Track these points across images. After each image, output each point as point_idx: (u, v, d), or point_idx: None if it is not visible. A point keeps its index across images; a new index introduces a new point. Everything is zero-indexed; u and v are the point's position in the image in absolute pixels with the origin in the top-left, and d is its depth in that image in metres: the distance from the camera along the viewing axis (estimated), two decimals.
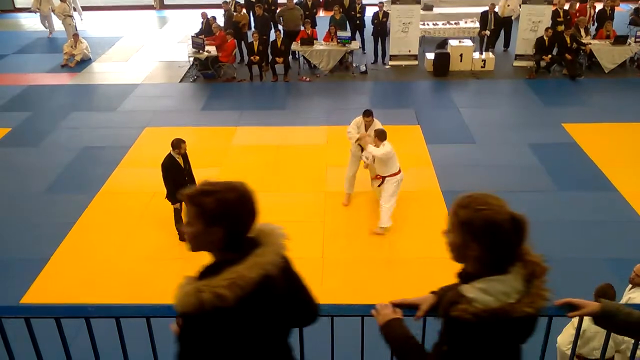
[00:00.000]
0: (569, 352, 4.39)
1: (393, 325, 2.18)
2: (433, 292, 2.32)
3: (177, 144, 7.55)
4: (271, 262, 2.00)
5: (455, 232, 2.00)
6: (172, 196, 7.59)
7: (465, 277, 2.05)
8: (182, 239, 7.57)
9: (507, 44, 15.65)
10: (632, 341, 2.68)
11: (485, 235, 1.94)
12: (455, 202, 2.03)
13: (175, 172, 7.55)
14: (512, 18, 15.43)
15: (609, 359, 4.67)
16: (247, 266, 1.95)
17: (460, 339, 1.99)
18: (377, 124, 8.25)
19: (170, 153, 7.56)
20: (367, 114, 8.27)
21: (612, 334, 4.29)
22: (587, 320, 2.54)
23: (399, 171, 7.88)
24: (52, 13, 17.62)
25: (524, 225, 1.99)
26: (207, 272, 1.98)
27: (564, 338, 4.62)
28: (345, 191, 8.71)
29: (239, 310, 1.91)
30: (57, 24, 17.66)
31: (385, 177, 7.87)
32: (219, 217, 1.96)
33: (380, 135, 7.77)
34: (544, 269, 2.04)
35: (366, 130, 8.28)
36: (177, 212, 7.67)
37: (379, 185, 8.04)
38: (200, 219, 1.97)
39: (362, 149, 8.43)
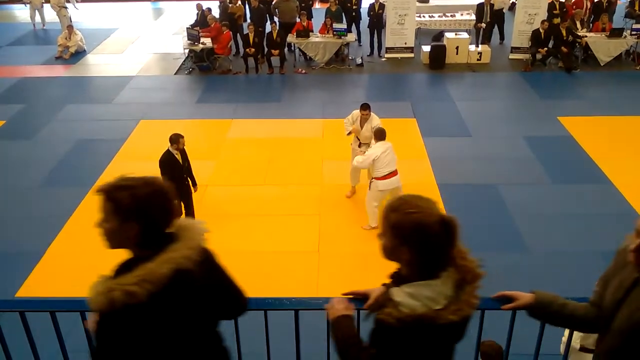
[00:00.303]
0: (577, 346, 4.41)
1: (342, 322, 2.18)
2: (385, 285, 2.32)
3: (176, 139, 7.39)
4: (184, 257, 2.00)
5: (387, 236, 2.00)
6: None
7: (398, 279, 2.05)
8: None
9: (502, 36, 15.62)
10: None
11: (415, 239, 1.93)
12: (386, 205, 2.02)
13: (173, 169, 7.38)
14: (503, 10, 15.41)
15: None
16: (158, 262, 1.96)
17: (385, 342, 1.99)
18: (375, 119, 8.24)
19: (168, 149, 7.41)
20: (364, 107, 8.26)
21: None
22: None
23: (388, 176, 7.61)
24: (43, 5, 17.51)
25: (454, 227, 1.96)
26: (121, 270, 2.00)
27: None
28: (351, 184, 8.71)
29: (152, 305, 1.92)
30: (48, 17, 17.56)
31: (373, 177, 7.79)
32: (134, 213, 1.97)
33: (376, 135, 7.71)
34: (477, 275, 2.03)
35: (362, 123, 8.27)
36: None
37: (369, 187, 8.00)
38: (115, 215, 1.98)
39: (360, 143, 8.43)
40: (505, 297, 2.38)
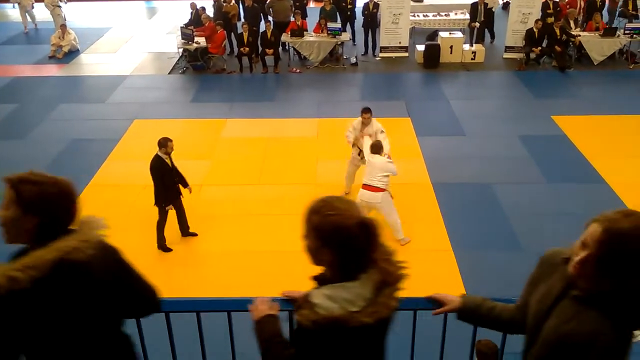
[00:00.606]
0: None
1: (266, 322, 2.17)
2: None
3: (164, 142, 7.21)
4: (73, 247, 2.03)
5: (309, 238, 2.01)
6: (161, 199, 7.36)
7: (321, 281, 2.05)
8: (160, 246, 7.48)
9: (492, 36, 15.57)
10: None
11: (334, 241, 1.94)
12: (308, 207, 2.03)
13: (163, 174, 7.27)
14: (493, 10, 15.41)
15: None
16: (45, 250, 2.00)
17: (302, 343, 2.00)
18: (375, 123, 8.15)
19: (157, 154, 7.25)
20: (365, 110, 8.16)
21: None
22: None
23: (363, 186, 7.44)
24: (32, 5, 17.39)
25: (373, 230, 1.97)
26: (14, 259, 2.06)
27: None
28: (345, 187, 8.64)
29: (36, 292, 1.96)
30: (40, 16, 17.44)
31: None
32: (35, 207, 2.02)
33: (372, 148, 7.63)
34: (397, 277, 2.03)
35: (363, 128, 8.14)
36: (164, 215, 7.45)
37: None
38: (16, 205, 2.03)
39: (360, 151, 8.29)
40: (435, 300, 2.39)
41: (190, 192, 7.72)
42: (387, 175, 7.49)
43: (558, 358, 1.94)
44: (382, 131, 8.14)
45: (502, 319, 2.31)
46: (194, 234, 7.80)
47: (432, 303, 2.39)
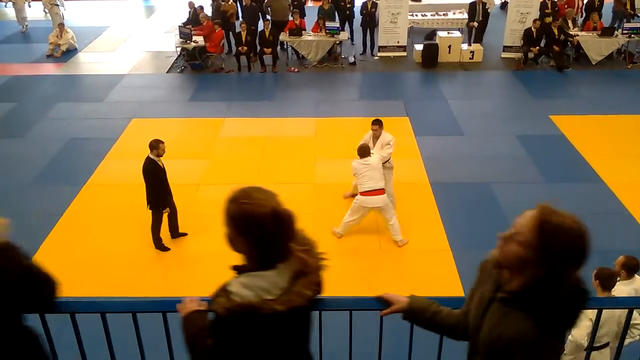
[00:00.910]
0: (585, 344, 4.44)
1: (192, 318, 2.17)
2: None
3: (156, 145, 7.08)
4: None
5: (227, 226, 2.01)
6: (155, 202, 7.31)
7: (240, 270, 2.06)
8: (157, 246, 7.48)
9: (480, 37, 15.28)
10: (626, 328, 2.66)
11: (247, 229, 1.95)
12: (228, 196, 2.02)
13: (156, 177, 7.19)
14: (489, 10, 15.40)
15: (606, 344, 4.72)
16: None
17: (218, 332, 2.00)
18: (386, 135, 8.04)
19: (148, 156, 7.13)
20: (375, 122, 8.03)
21: (617, 320, 4.35)
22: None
23: (369, 193, 7.35)
24: (26, 4, 17.35)
25: (286, 219, 1.98)
26: None
27: (581, 331, 4.55)
28: (352, 189, 8.57)
29: None
30: (37, 15, 17.41)
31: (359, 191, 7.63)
32: None
33: (357, 151, 7.57)
34: (313, 267, 2.05)
35: (375, 140, 8.00)
36: (160, 218, 7.40)
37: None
38: None
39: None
40: (384, 300, 2.38)
41: None
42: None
43: None
44: (388, 143, 8.02)
45: (447, 323, 2.32)
46: (184, 234, 7.77)
47: (381, 303, 2.38)
